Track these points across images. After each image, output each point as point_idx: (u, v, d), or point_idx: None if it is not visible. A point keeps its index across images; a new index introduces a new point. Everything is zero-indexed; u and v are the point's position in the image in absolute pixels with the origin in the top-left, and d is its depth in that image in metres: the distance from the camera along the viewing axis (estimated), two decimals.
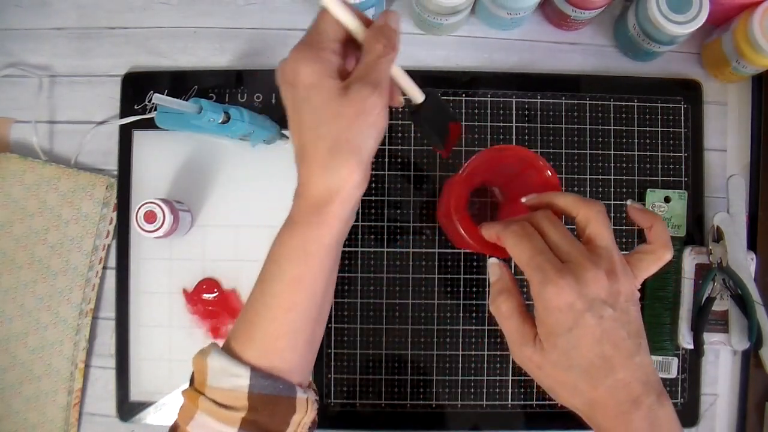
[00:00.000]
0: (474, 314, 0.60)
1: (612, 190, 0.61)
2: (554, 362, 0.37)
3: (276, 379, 0.38)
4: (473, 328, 0.60)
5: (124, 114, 0.61)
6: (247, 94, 0.61)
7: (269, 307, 0.39)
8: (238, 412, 0.37)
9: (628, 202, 0.42)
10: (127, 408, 0.59)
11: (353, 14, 0.37)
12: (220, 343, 0.41)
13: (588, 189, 0.61)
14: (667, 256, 0.39)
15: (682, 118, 0.62)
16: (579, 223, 0.39)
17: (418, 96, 0.41)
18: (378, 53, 0.36)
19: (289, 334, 0.39)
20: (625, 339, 0.36)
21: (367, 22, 0.37)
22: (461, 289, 0.60)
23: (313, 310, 0.39)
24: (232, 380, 0.37)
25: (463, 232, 0.45)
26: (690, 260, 0.59)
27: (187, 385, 0.40)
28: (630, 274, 0.38)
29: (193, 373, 0.40)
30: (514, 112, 0.61)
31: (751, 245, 0.60)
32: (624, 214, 0.61)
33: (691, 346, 0.59)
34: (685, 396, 0.60)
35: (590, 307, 0.36)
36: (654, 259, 0.39)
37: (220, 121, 0.51)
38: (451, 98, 0.61)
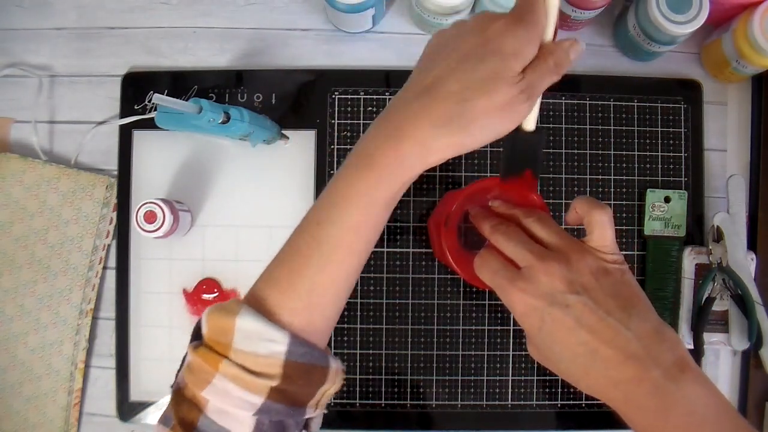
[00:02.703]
0: (474, 314, 0.60)
1: (612, 190, 0.61)
2: (545, 360, 0.38)
3: (312, 347, 0.35)
4: (473, 328, 0.60)
5: (124, 114, 0.61)
6: (247, 94, 0.61)
7: (322, 254, 0.36)
8: (269, 380, 0.34)
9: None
10: (127, 408, 0.59)
11: (555, 19, 0.36)
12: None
13: (588, 189, 0.61)
14: (600, 215, 0.38)
15: (682, 118, 0.62)
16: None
17: (531, 123, 0.39)
18: (550, 68, 0.35)
19: (335, 288, 0.36)
20: (604, 318, 0.35)
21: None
22: (461, 289, 0.60)
23: (361, 266, 0.38)
24: (267, 345, 0.34)
25: (452, 262, 0.46)
26: (690, 260, 0.59)
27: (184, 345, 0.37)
28: (587, 249, 0.38)
29: (198, 329, 0.37)
30: None
31: (751, 245, 0.60)
32: (623, 214, 0.61)
33: (691, 346, 0.59)
34: None
35: (552, 301, 0.36)
36: (593, 223, 0.38)
37: (220, 121, 0.51)
38: None
